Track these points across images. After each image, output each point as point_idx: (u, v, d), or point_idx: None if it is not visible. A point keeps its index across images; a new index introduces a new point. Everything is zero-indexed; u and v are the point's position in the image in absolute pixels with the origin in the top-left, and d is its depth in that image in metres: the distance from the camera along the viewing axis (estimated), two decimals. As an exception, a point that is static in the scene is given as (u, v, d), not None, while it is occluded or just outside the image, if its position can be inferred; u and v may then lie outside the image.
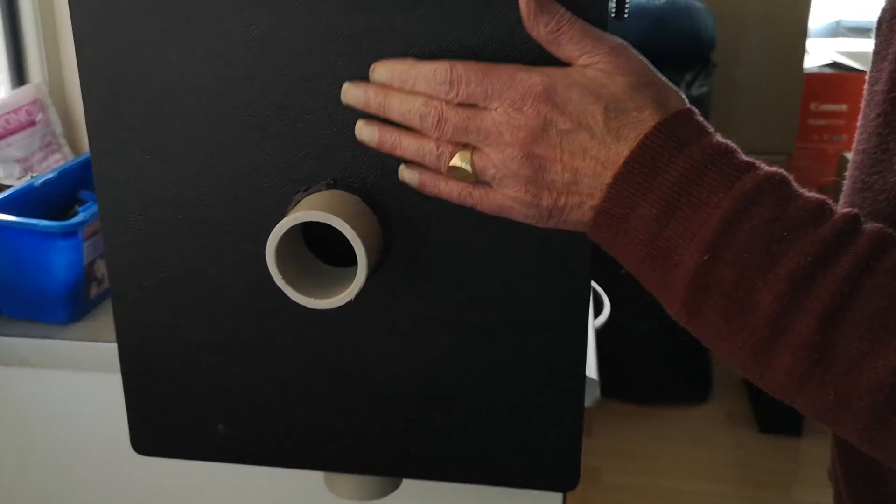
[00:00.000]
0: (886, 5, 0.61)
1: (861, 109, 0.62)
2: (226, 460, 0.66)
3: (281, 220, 0.52)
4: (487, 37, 0.52)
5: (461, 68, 0.52)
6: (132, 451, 0.67)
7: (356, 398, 0.62)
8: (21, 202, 1.04)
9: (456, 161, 0.52)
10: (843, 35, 3.17)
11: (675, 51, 2.19)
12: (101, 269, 1.04)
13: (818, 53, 2.63)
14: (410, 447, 0.63)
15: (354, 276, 0.53)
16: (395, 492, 0.73)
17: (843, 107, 2.52)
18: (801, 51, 2.38)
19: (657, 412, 2.34)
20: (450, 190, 0.54)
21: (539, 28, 0.51)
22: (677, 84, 2.20)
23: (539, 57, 0.51)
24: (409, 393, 0.61)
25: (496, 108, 0.51)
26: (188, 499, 1.03)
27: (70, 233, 0.98)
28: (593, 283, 1.16)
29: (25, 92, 1.34)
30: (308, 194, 0.56)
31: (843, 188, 0.62)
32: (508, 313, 0.58)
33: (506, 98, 0.51)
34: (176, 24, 0.55)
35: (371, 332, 0.60)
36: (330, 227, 0.52)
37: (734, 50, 2.39)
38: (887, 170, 0.56)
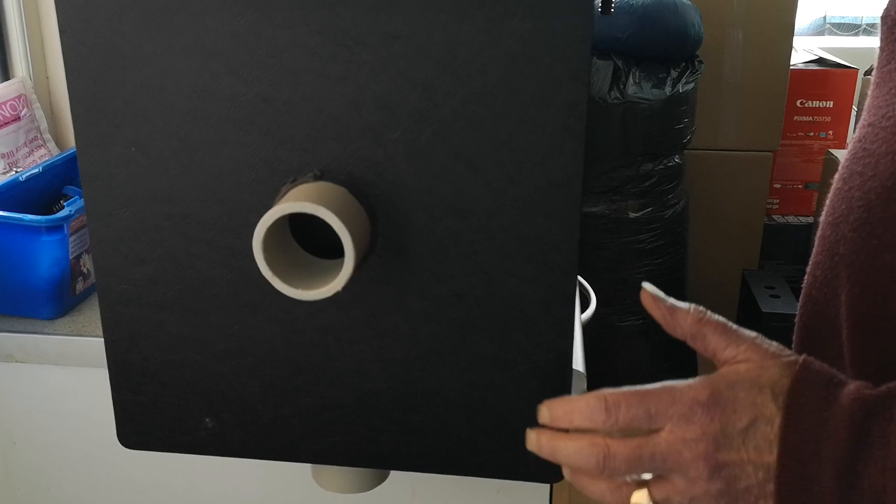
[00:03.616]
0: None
1: (871, 91, 0.62)
2: (213, 454, 0.66)
3: (267, 212, 0.52)
4: (472, 30, 0.52)
5: (615, 394, 0.51)
6: (119, 445, 0.67)
7: (342, 391, 0.62)
8: (6, 197, 1.04)
9: (635, 500, 0.51)
10: (830, 32, 3.18)
11: (661, 47, 2.19)
12: (86, 263, 1.04)
13: (804, 50, 2.64)
14: (397, 439, 0.63)
15: (342, 267, 0.53)
16: (383, 484, 0.73)
17: (829, 103, 2.53)
18: (787, 47, 2.39)
19: (644, 407, 2.34)
20: None
21: (680, 323, 0.53)
22: (663, 81, 2.22)
23: (527, 47, 0.51)
24: (395, 386, 0.61)
25: (666, 428, 0.50)
26: (175, 493, 1.03)
27: (55, 227, 0.98)
28: (580, 279, 1.16)
29: (10, 87, 1.33)
30: (295, 186, 0.56)
31: (840, 164, 0.62)
32: (494, 307, 0.58)
33: (673, 414, 0.50)
34: (160, 17, 0.55)
35: (356, 326, 0.60)
36: (317, 218, 0.52)
37: (720, 47, 2.40)
38: (892, 135, 0.56)
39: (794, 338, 0.69)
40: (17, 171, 1.15)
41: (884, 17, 0.63)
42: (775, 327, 2.18)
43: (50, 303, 1.00)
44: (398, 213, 0.57)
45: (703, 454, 0.49)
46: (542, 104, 0.53)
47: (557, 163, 0.54)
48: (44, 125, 1.38)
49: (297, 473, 0.92)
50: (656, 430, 0.51)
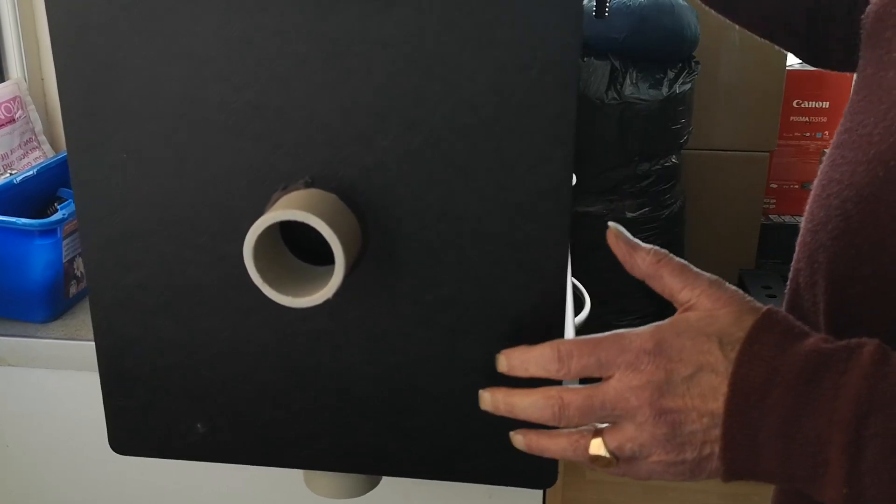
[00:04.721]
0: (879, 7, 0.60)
1: (851, 96, 0.61)
2: (204, 459, 0.66)
3: (258, 219, 0.52)
4: (461, 38, 0.52)
5: (567, 344, 0.53)
6: (110, 450, 0.67)
7: (333, 397, 0.62)
8: (0, 200, 1.04)
9: (593, 450, 0.52)
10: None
11: (658, 48, 2.20)
12: (79, 267, 1.04)
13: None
14: (389, 445, 0.63)
15: (332, 274, 0.53)
16: (375, 489, 0.73)
17: (825, 104, 2.54)
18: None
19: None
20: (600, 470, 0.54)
21: (638, 264, 0.54)
22: (660, 82, 2.23)
23: (516, 56, 0.51)
24: (386, 391, 0.61)
25: (615, 376, 0.51)
26: (167, 498, 1.03)
27: (49, 231, 0.98)
28: (574, 281, 1.16)
29: (4, 89, 1.33)
30: (286, 193, 0.56)
31: (819, 170, 0.62)
32: (484, 313, 0.58)
33: (622, 363, 0.51)
34: (151, 24, 0.55)
35: (347, 331, 0.60)
36: (308, 225, 0.52)
37: (716, 47, 2.40)
38: (868, 143, 0.56)
39: None
40: (11, 174, 1.15)
41: (863, 22, 0.62)
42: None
43: (43, 306, 1.00)
44: (389, 219, 0.57)
45: (648, 400, 0.50)
46: (531, 112, 0.53)
47: (547, 170, 0.54)
48: (38, 127, 1.38)
49: (289, 479, 0.92)
50: (607, 379, 0.52)
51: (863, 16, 0.62)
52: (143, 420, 0.65)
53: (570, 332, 0.85)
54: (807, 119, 2.56)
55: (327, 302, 0.54)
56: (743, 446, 0.49)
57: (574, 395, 0.52)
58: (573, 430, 0.54)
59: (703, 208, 2.46)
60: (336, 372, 0.62)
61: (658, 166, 2.25)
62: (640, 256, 0.54)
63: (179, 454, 0.66)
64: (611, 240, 0.56)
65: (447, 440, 0.62)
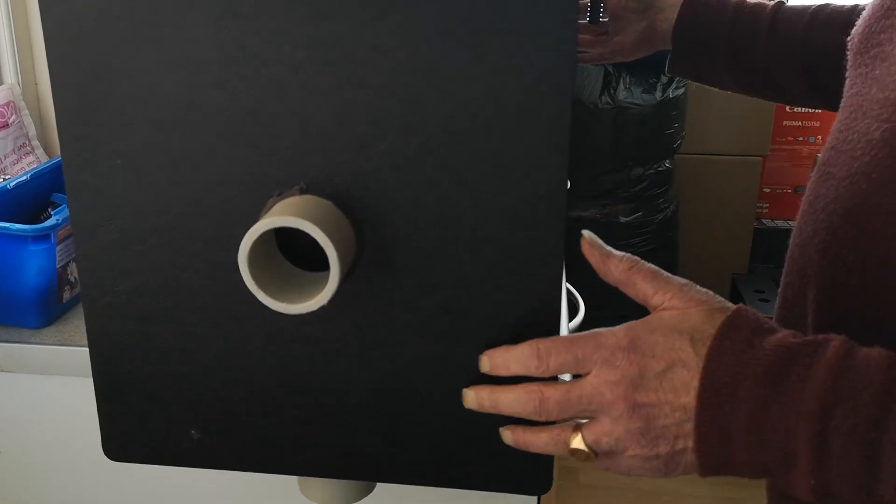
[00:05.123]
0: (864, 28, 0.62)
1: (837, 115, 0.63)
2: (199, 466, 0.66)
3: (253, 225, 0.52)
4: (457, 44, 0.52)
5: (546, 342, 0.55)
6: (104, 456, 0.67)
7: (328, 404, 0.62)
8: (-7, 205, 1.04)
9: (573, 444, 0.54)
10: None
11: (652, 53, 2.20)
12: (73, 272, 1.04)
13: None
14: (384, 451, 0.63)
15: (327, 280, 0.53)
16: (369, 496, 0.73)
17: (818, 109, 2.54)
18: (775, 53, 2.39)
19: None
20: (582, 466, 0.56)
21: (612, 272, 0.55)
22: (653, 86, 2.23)
23: (511, 62, 0.51)
24: (380, 398, 0.61)
25: (592, 373, 0.53)
26: None
27: (42, 236, 0.98)
28: (568, 286, 1.16)
29: (-2, 94, 1.33)
30: (281, 199, 0.56)
31: (807, 187, 0.64)
32: (479, 320, 0.58)
33: (598, 359, 0.53)
34: (146, 31, 0.55)
35: (342, 338, 0.60)
36: (303, 231, 0.52)
37: (710, 52, 2.40)
38: (852, 159, 0.58)
39: None
40: (5, 179, 1.14)
41: (848, 44, 0.64)
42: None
43: (36, 312, 1.00)
44: (384, 225, 0.57)
45: (623, 395, 0.52)
46: (527, 118, 0.53)
47: (542, 176, 0.54)
48: (32, 132, 1.38)
49: (284, 485, 0.91)
50: (585, 375, 0.53)
51: (848, 38, 0.64)
52: (137, 426, 0.65)
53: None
54: (800, 124, 2.57)
55: (322, 308, 0.53)
56: (715, 439, 0.50)
57: (553, 390, 0.54)
58: (555, 425, 0.56)
59: (697, 213, 2.47)
60: (331, 378, 0.61)
61: (652, 171, 2.26)
62: (613, 264, 0.56)
63: (174, 461, 0.66)
64: (585, 248, 0.57)
65: (442, 447, 0.62)
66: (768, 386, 0.49)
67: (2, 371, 0.98)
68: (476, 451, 0.62)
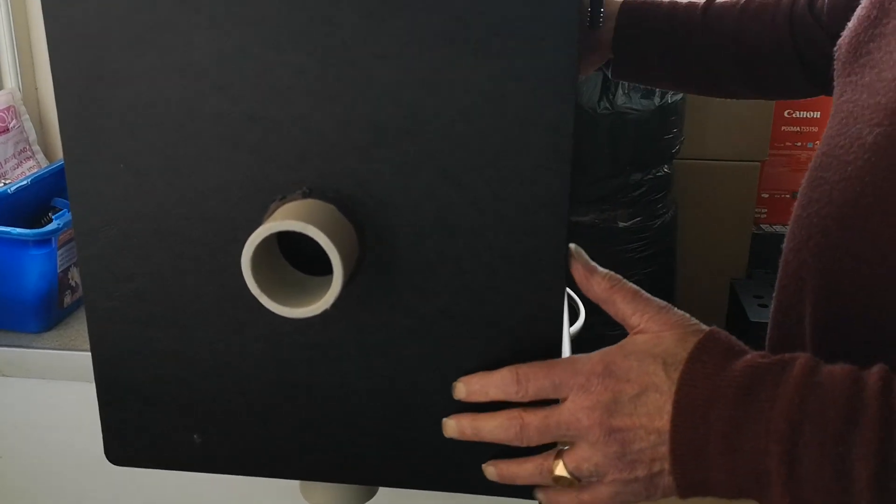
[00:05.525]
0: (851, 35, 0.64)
1: (829, 121, 0.64)
2: (200, 470, 0.66)
3: (255, 230, 0.53)
4: (458, 50, 0.53)
5: (525, 367, 0.56)
6: (105, 460, 0.67)
7: (329, 408, 0.62)
8: (-6, 210, 1.04)
9: (556, 472, 0.55)
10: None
11: (650, 58, 2.20)
12: (74, 277, 1.04)
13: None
14: (385, 456, 0.63)
15: (330, 284, 0.53)
16: (371, 500, 0.73)
17: (817, 114, 2.55)
18: (774, 58, 2.39)
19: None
20: (567, 500, 0.57)
21: (594, 288, 0.56)
22: (652, 91, 2.23)
23: (513, 67, 0.51)
24: (382, 402, 0.61)
25: (569, 398, 0.54)
26: (163, 508, 1.03)
27: (44, 241, 0.98)
28: (568, 290, 1.16)
29: (-2, 98, 1.33)
30: (283, 203, 0.57)
31: (799, 192, 0.65)
32: (481, 325, 0.58)
33: (574, 385, 0.54)
34: (148, 36, 0.55)
35: (343, 343, 0.60)
36: (305, 235, 0.52)
37: (708, 57, 2.40)
38: (844, 163, 0.59)
39: None
40: (5, 184, 1.14)
41: (836, 53, 0.66)
42: (763, 336, 2.19)
43: (37, 316, 1.00)
44: (385, 230, 0.57)
45: (598, 420, 0.53)
46: (529, 124, 0.53)
47: (544, 182, 0.54)
48: (32, 136, 1.38)
49: (286, 490, 0.91)
50: (563, 400, 0.55)
51: (835, 48, 0.67)
52: (138, 430, 0.65)
53: (566, 343, 0.85)
54: (798, 129, 2.57)
55: (324, 313, 0.54)
56: (691, 461, 0.51)
57: (533, 416, 0.55)
58: (538, 455, 0.57)
59: (695, 218, 2.47)
60: (332, 383, 0.62)
61: (650, 176, 2.26)
62: (595, 281, 0.57)
63: (175, 465, 0.66)
64: (571, 263, 0.58)
65: (443, 451, 0.62)
66: (738, 407, 0.50)
67: (2, 375, 0.98)
68: (476, 456, 0.62)
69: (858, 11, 0.65)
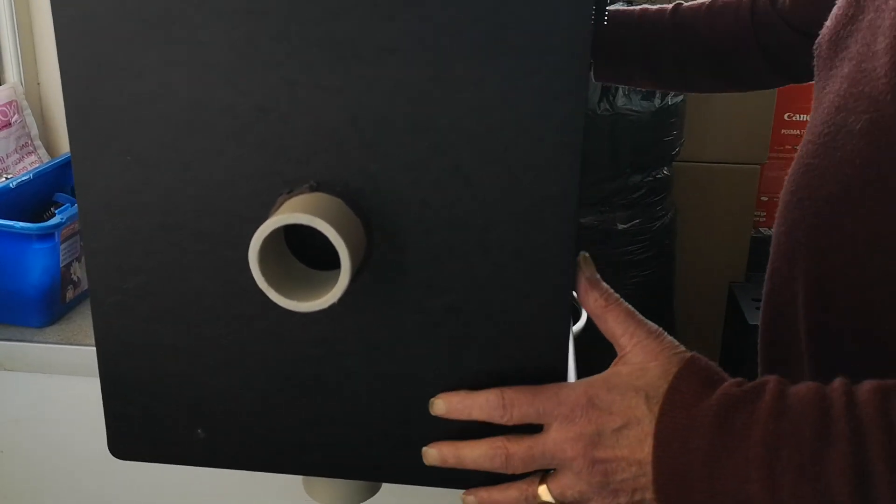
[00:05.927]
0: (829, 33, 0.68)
1: (811, 113, 0.67)
2: (204, 465, 0.66)
3: (262, 223, 0.52)
4: (468, 44, 0.53)
5: (511, 392, 0.57)
6: (108, 454, 0.67)
7: (334, 404, 0.62)
8: (-4, 204, 1.04)
9: (541, 497, 0.56)
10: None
11: (651, 60, 2.20)
12: (77, 271, 1.04)
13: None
14: (389, 452, 0.63)
15: (337, 279, 0.53)
16: (375, 496, 0.73)
17: (816, 117, 2.55)
18: (774, 61, 2.40)
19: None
20: None
21: (589, 301, 0.57)
22: (652, 93, 2.23)
23: (523, 62, 0.51)
24: (387, 398, 0.61)
25: (553, 427, 0.55)
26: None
27: (46, 235, 0.98)
28: (570, 290, 1.16)
29: (0, 93, 1.33)
30: (291, 197, 0.56)
31: (786, 180, 0.67)
32: (488, 322, 0.58)
33: (558, 415, 0.55)
34: (156, 29, 0.55)
35: (349, 338, 0.60)
36: (313, 229, 0.52)
37: (709, 60, 2.40)
38: (831, 149, 0.62)
39: (758, 345, 0.73)
40: (7, 178, 1.14)
41: (816, 51, 0.70)
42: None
43: (40, 311, 1.00)
44: (393, 225, 0.57)
45: (582, 451, 0.54)
46: (539, 119, 0.53)
47: (553, 177, 0.54)
48: (35, 131, 1.38)
49: (289, 485, 0.91)
50: (547, 429, 0.56)
51: (814, 46, 0.70)
52: (142, 425, 0.65)
53: (569, 342, 0.85)
54: (798, 132, 2.57)
55: (330, 308, 0.53)
56: (673, 489, 0.53)
57: (517, 445, 0.56)
58: (522, 480, 0.58)
59: (694, 220, 2.47)
60: (337, 378, 0.61)
61: (649, 178, 2.26)
62: (592, 296, 0.58)
63: (179, 459, 0.66)
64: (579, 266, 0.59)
65: (448, 447, 0.62)
66: (716, 436, 0.51)
67: (5, 370, 0.98)
68: (482, 451, 0.62)
69: (835, 11, 0.68)
